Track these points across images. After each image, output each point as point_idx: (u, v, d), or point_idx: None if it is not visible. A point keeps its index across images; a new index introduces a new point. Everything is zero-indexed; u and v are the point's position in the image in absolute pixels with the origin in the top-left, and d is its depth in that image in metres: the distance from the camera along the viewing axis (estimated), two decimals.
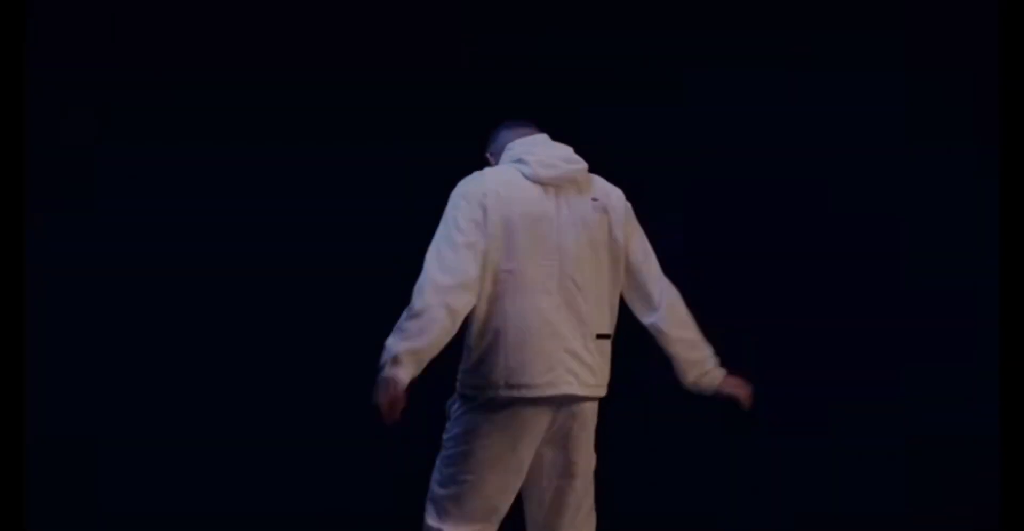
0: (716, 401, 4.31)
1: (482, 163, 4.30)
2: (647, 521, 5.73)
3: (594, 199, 4.24)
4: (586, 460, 4.21)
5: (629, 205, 4.31)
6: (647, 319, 4.32)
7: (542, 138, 4.30)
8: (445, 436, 4.14)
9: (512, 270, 4.07)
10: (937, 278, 5.82)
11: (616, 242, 4.23)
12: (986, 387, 5.45)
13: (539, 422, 4.09)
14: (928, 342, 5.81)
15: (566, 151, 4.26)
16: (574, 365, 4.11)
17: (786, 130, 5.92)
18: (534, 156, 4.20)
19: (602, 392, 4.20)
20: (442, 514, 4.08)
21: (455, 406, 4.15)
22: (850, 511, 5.78)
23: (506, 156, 4.26)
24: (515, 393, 4.04)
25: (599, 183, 4.30)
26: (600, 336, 4.18)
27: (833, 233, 5.88)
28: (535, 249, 4.11)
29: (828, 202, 5.88)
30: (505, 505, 4.10)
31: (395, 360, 3.92)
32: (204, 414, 6.02)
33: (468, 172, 4.16)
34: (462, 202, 4.07)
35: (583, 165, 4.24)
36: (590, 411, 4.20)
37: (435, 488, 4.11)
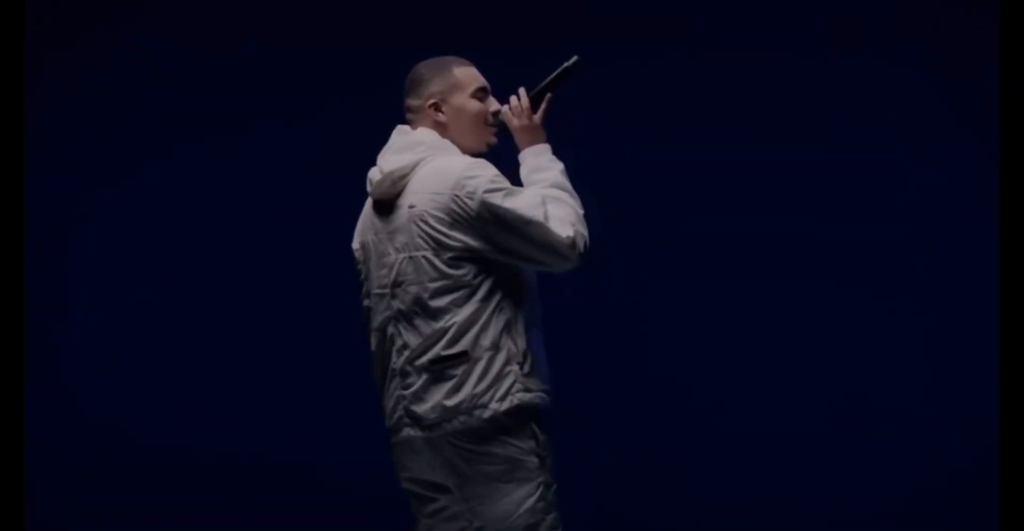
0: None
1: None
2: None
3: (411, 206, 3.60)
4: None
5: (480, 197, 3.52)
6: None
7: (394, 134, 3.76)
8: None
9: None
10: (936, 276, 5.81)
11: (452, 247, 3.56)
12: (985, 387, 5.46)
13: (420, 465, 3.67)
14: (926, 342, 5.80)
15: (392, 155, 3.69)
16: (408, 404, 3.63)
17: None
18: (375, 166, 3.73)
19: (458, 423, 3.55)
20: None
21: None
22: (850, 512, 5.78)
23: None
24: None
25: (427, 181, 3.60)
26: (433, 362, 3.56)
27: (831, 231, 5.87)
28: (373, 280, 3.71)
29: (827, 201, 5.86)
30: None
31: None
32: (208, 410, 6.01)
33: None
34: None
35: (392, 170, 3.64)
36: (463, 450, 3.58)
37: None
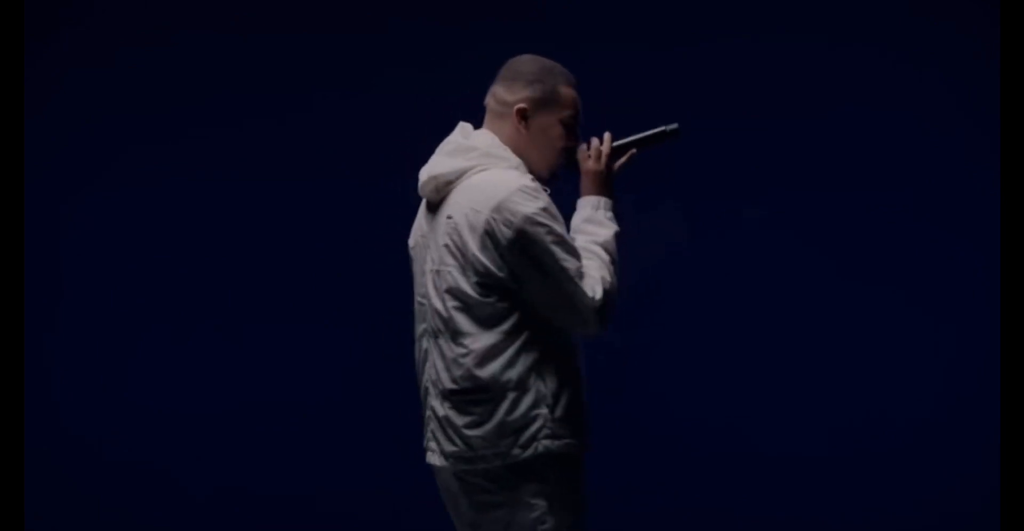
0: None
1: None
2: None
3: (448, 217, 3.35)
4: None
5: (518, 226, 3.24)
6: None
7: (455, 131, 3.48)
8: None
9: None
10: (935, 277, 5.79)
11: (477, 271, 3.29)
12: (986, 388, 5.45)
13: (446, 494, 3.50)
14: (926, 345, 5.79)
15: (442, 156, 3.42)
16: (434, 427, 3.42)
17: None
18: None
19: (471, 463, 3.34)
20: None
21: None
22: (851, 513, 5.77)
23: None
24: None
25: (470, 194, 3.32)
26: (453, 392, 3.35)
27: (831, 237, 5.85)
28: (416, 287, 3.50)
29: (825, 206, 5.84)
30: None
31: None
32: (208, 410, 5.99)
33: None
34: None
35: (437, 175, 3.38)
36: (471, 485, 3.39)
37: None
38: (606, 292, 3.27)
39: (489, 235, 3.25)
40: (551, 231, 3.24)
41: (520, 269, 3.24)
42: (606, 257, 3.33)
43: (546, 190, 3.35)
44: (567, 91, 3.40)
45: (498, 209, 3.24)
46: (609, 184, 3.43)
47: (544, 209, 3.25)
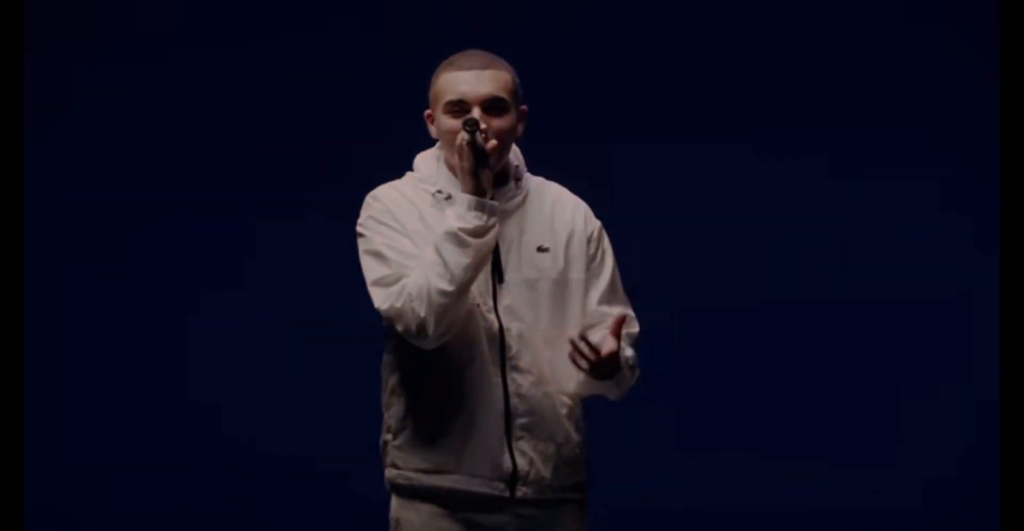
0: None
1: None
2: None
3: None
4: None
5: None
6: None
7: None
8: None
9: None
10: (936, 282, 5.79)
11: None
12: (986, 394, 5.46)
13: None
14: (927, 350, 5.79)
15: None
16: None
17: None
18: None
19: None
20: None
21: None
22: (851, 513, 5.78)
23: None
24: None
25: None
26: None
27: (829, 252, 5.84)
28: None
29: (825, 218, 5.84)
30: None
31: None
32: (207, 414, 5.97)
33: None
34: None
35: None
36: None
37: None
38: (409, 297, 3.01)
39: None
40: (364, 239, 3.14)
41: None
42: (430, 258, 3.03)
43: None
44: (445, 77, 3.11)
45: None
46: (464, 180, 3.06)
47: (371, 217, 3.14)
